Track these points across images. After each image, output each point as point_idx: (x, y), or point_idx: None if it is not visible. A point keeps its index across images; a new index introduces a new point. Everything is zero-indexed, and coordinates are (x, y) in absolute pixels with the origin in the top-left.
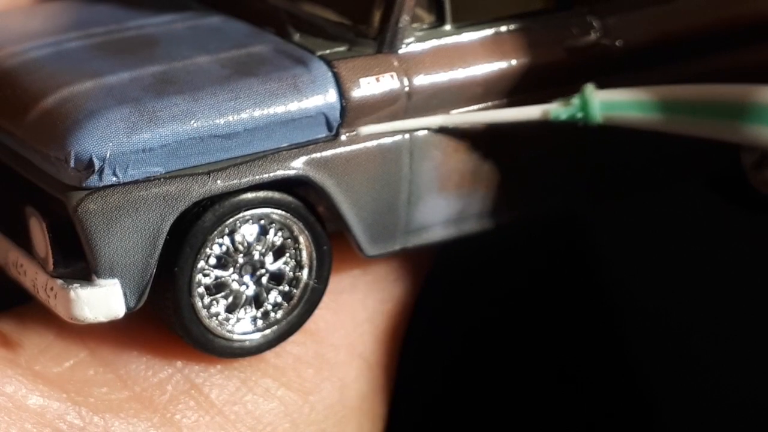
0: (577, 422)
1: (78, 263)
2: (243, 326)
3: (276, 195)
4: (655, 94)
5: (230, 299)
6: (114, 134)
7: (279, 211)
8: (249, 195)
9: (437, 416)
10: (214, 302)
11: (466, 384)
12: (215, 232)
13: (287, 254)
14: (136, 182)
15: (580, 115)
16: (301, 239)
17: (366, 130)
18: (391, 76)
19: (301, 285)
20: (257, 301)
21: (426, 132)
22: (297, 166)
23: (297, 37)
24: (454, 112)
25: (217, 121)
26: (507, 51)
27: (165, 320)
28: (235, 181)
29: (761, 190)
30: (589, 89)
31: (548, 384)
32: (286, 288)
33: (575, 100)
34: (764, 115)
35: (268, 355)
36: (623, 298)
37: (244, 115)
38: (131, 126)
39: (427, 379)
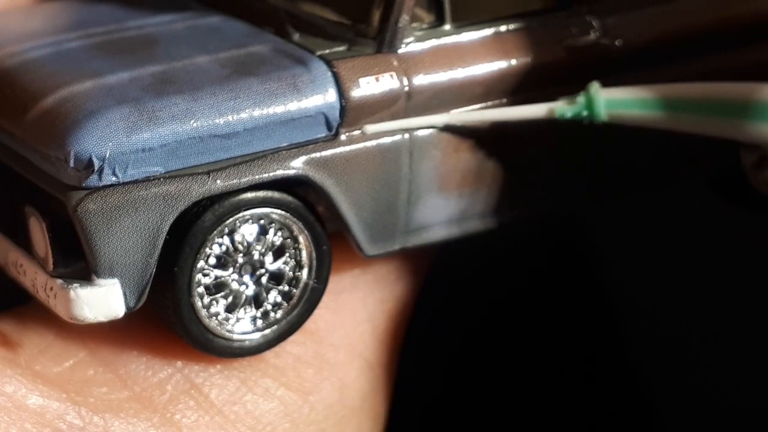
0: (577, 422)
1: (78, 263)
2: (243, 326)
3: (276, 195)
4: (659, 92)
5: (230, 299)
6: (114, 134)
7: (279, 211)
8: (249, 195)
9: (437, 416)
10: (214, 302)
11: (466, 384)
12: (215, 232)
13: (287, 254)
14: (135, 182)
15: (585, 113)
16: (301, 239)
17: (366, 129)
18: (391, 75)
19: (301, 285)
20: (257, 300)
21: (426, 132)
22: (297, 165)
23: (296, 36)
24: (453, 111)
25: (217, 120)
26: (506, 51)
27: (165, 320)
28: (234, 181)
29: (761, 190)
30: (595, 87)
31: (548, 384)
32: (286, 288)
33: (580, 99)
34: (766, 112)
35: (268, 355)
36: (623, 298)
37: (243, 115)
38: (131, 126)
39: (427, 379)
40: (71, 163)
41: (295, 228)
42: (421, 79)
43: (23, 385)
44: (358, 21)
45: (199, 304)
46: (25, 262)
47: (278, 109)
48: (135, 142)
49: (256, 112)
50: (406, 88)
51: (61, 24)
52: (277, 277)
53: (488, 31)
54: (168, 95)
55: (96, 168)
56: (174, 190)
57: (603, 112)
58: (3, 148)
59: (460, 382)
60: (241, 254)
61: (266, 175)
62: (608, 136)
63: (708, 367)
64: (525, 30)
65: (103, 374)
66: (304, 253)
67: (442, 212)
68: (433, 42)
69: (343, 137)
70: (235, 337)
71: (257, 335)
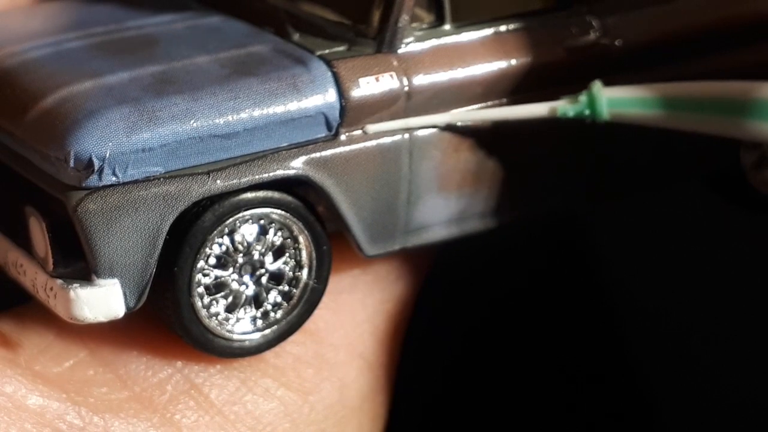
0: (578, 422)
1: (78, 263)
2: (243, 326)
3: (276, 195)
4: (661, 91)
5: (230, 299)
6: (113, 134)
7: (279, 211)
8: (249, 195)
9: (437, 416)
10: (214, 302)
11: (466, 384)
12: (215, 232)
13: (287, 254)
14: (135, 182)
15: (587, 112)
16: (301, 239)
17: (366, 129)
18: (391, 75)
19: (301, 285)
20: (257, 300)
21: (426, 132)
22: (296, 165)
23: (296, 36)
24: (453, 111)
25: (217, 120)
26: (506, 50)
27: (165, 320)
28: (234, 181)
29: (761, 190)
30: (597, 86)
31: (548, 384)
32: (286, 288)
33: (583, 97)
34: (766, 111)
35: (268, 355)
36: (623, 298)
37: (243, 115)
38: (131, 126)
39: (427, 379)
40: (71, 163)
41: (295, 228)
42: (421, 79)
43: (23, 385)
44: (358, 21)
45: (199, 304)
46: (25, 262)
47: (278, 109)
48: (135, 142)
49: (256, 112)
50: (406, 88)
51: (61, 24)
52: (277, 277)
53: (488, 31)
54: (168, 95)
55: (96, 168)
56: (174, 190)
57: (605, 111)
58: (3, 148)
59: (460, 382)
60: (241, 254)
61: (266, 175)
62: (609, 135)
63: (708, 367)
64: (525, 30)
65: (103, 374)
66: (304, 253)
67: (442, 212)
68: (433, 42)
69: (343, 137)
70: (235, 337)
71: (257, 335)
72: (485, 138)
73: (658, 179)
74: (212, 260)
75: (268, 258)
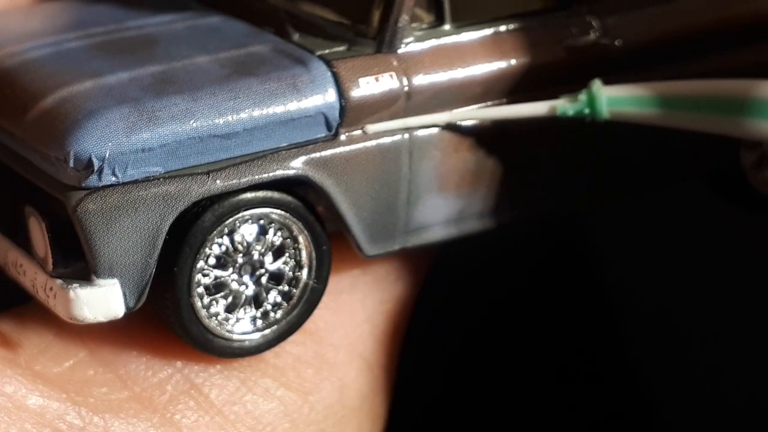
0: (577, 422)
1: (77, 263)
2: (242, 326)
3: (275, 195)
4: (660, 90)
5: (230, 299)
6: (113, 134)
7: (278, 211)
8: (248, 195)
9: (437, 416)
10: (214, 302)
11: (466, 384)
12: (215, 232)
13: (287, 254)
14: (135, 182)
15: (587, 110)
16: (301, 239)
17: (366, 129)
18: (391, 75)
19: (301, 285)
20: (257, 301)
21: (425, 132)
22: (296, 165)
23: (296, 36)
24: (453, 111)
25: (217, 120)
26: (506, 51)
27: (164, 320)
28: (234, 181)
29: (761, 190)
30: (597, 85)
31: (548, 384)
32: (286, 288)
33: (582, 96)
34: (766, 109)
35: (268, 355)
36: (623, 298)
37: (243, 115)
38: (130, 126)
39: (427, 379)
40: (71, 163)
41: (294, 228)
42: (420, 79)
43: (23, 385)
44: (358, 21)
45: (199, 304)
46: (24, 262)
47: (278, 109)
48: (135, 142)
49: (256, 112)
50: (406, 88)
51: (61, 24)
52: (276, 277)
53: (488, 31)
54: (168, 95)
55: (96, 168)
56: (174, 190)
57: (605, 110)
58: (3, 148)
59: (460, 382)
60: (241, 254)
61: (266, 175)
62: (609, 135)
63: (708, 367)
64: (525, 30)
65: (103, 374)
66: (303, 253)
67: (441, 212)
68: (433, 42)
69: (342, 137)
70: (235, 337)
71: (257, 335)
72: (485, 138)
73: (658, 179)
74: (212, 260)
75: (268, 258)
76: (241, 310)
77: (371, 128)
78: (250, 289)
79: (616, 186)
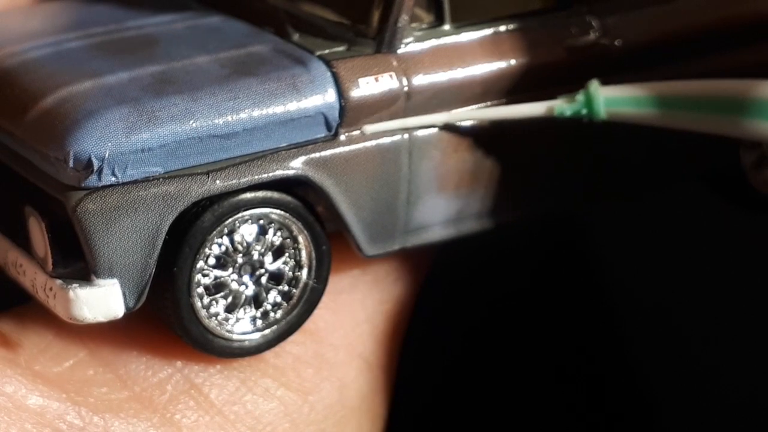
0: (577, 422)
1: (77, 263)
2: (242, 326)
3: (275, 195)
4: (658, 90)
5: (229, 299)
6: (113, 134)
7: (278, 211)
8: (248, 195)
9: (437, 416)
10: (214, 302)
11: (465, 384)
12: (214, 232)
13: (286, 254)
14: (135, 182)
15: (584, 111)
16: (301, 239)
17: (365, 129)
18: (390, 76)
19: (301, 285)
20: (256, 301)
21: (425, 132)
22: (296, 166)
23: (296, 36)
24: (452, 111)
25: (216, 121)
26: (506, 51)
27: (164, 320)
28: (234, 181)
29: (761, 190)
30: (594, 85)
31: (548, 384)
32: (286, 288)
33: (580, 97)
34: (765, 109)
35: (268, 355)
36: (623, 298)
37: (243, 115)
38: (130, 126)
39: (427, 379)
40: (70, 164)
41: (294, 228)
42: (420, 80)
43: (23, 385)
44: (358, 21)
45: (199, 304)
46: (24, 262)
47: (278, 109)
48: (134, 143)
49: (256, 113)
50: (406, 88)
51: (61, 24)
52: (276, 277)
53: (488, 32)
54: (167, 95)
55: (95, 168)
56: (173, 190)
57: (602, 110)
58: (3, 148)
59: (459, 382)
60: (241, 254)
61: (265, 175)
62: (607, 135)
63: (708, 367)
64: (524, 30)
65: (103, 374)
66: (303, 253)
67: (441, 212)
68: (433, 42)
69: (342, 137)
70: (235, 337)
71: (257, 335)
72: (484, 138)
73: (657, 179)
74: (212, 260)
75: (268, 258)
76: (241, 310)
77: (371, 128)
78: (249, 289)
79: (614, 186)
